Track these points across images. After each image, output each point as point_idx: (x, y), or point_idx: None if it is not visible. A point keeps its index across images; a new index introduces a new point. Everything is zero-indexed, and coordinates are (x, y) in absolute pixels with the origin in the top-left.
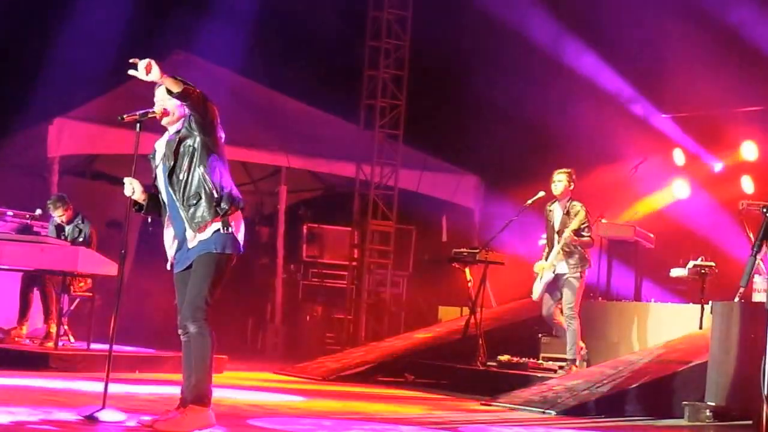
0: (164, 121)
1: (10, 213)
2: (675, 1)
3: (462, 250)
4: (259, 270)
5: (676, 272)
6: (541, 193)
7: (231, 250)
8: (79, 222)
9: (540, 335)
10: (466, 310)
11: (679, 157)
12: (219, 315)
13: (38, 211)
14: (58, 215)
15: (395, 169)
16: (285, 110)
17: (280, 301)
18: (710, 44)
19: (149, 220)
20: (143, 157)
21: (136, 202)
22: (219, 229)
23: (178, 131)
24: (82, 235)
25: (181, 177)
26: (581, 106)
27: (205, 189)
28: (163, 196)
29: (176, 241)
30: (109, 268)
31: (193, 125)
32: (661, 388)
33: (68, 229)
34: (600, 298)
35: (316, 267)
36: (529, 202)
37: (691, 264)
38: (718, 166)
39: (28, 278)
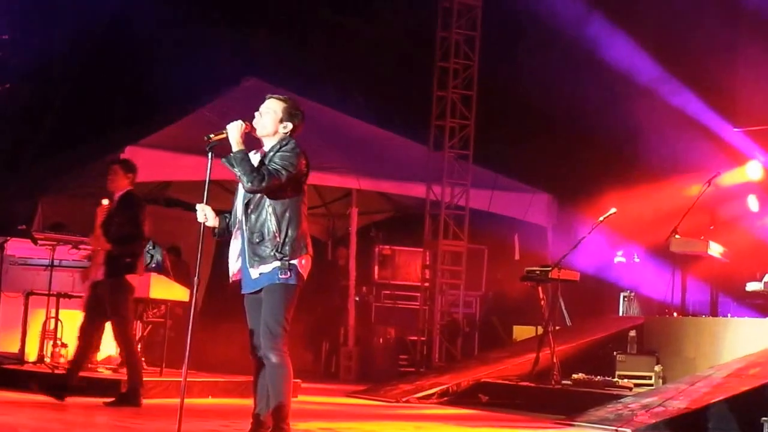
0: (259, 133)
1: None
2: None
3: (534, 268)
4: (331, 293)
5: (752, 286)
6: (613, 210)
7: (294, 281)
8: (151, 248)
9: (615, 353)
10: (540, 329)
11: (753, 170)
12: (293, 338)
13: None
14: None
15: (466, 188)
16: (355, 133)
17: (353, 323)
18: None
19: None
20: (216, 183)
21: (213, 228)
22: (278, 268)
23: (269, 151)
24: (154, 261)
25: (251, 207)
26: (653, 120)
27: (268, 230)
28: (238, 211)
29: (240, 258)
30: (181, 293)
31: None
32: (740, 403)
33: None
34: (675, 314)
35: (389, 289)
36: (601, 219)
37: (767, 277)
38: None
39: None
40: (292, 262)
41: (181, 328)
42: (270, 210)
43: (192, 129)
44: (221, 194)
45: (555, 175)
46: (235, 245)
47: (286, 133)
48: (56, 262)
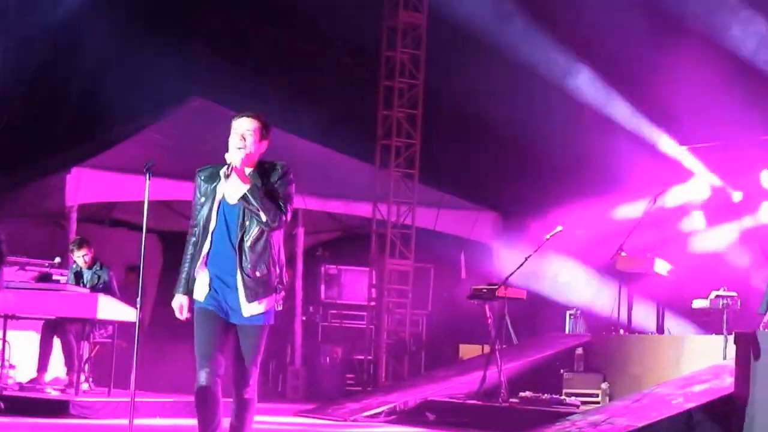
0: (240, 154)
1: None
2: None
3: (481, 286)
4: (278, 312)
5: (698, 303)
6: (559, 228)
7: (273, 322)
8: (98, 268)
9: (562, 371)
10: (486, 348)
11: (697, 187)
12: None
13: (57, 259)
14: (79, 256)
15: (412, 207)
16: (299, 152)
17: (299, 343)
18: (726, 72)
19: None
20: (160, 204)
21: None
22: (274, 306)
23: (260, 176)
24: (101, 281)
25: (250, 241)
26: (597, 138)
27: (269, 261)
28: (212, 231)
29: (211, 286)
30: (129, 314)
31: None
32: (687, 420)
33: (87, 275)
34: (622, 331)
35: (335, 308)
36: (548, 237)
37: (713, 294)
38: (737, 196)
39: (48, 326)
40: (283, 294)
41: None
42: (271, 243)
43: (137, 149)
44: (166, 215)
45: (500, 193)
46: (203, 277)
47: (263, 151)
48: (3, 284)
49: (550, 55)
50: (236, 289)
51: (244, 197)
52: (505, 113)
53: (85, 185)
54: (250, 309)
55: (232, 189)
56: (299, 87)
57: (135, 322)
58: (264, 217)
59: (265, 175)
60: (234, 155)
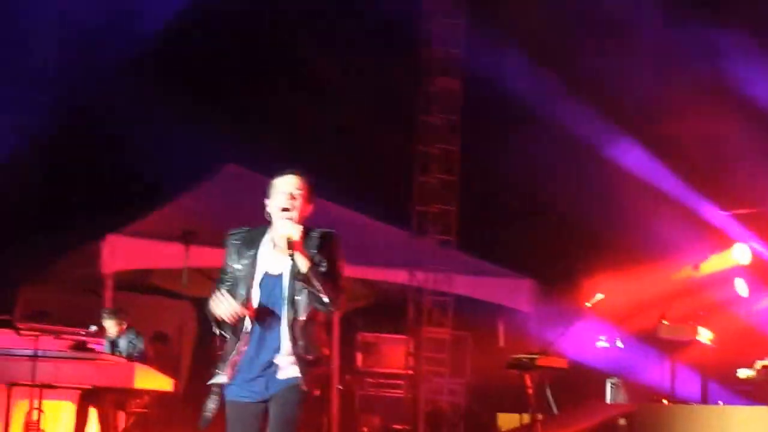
0: (288, 216)
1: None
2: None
3: (521, 355)
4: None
5: (744, 373)
6: (600, 296)
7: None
8: (133, 337)
9: None
10: (525, 417)
11: (740, 253)
12: None
13: (93, 328)
14: (110, 326)
15: (449, 275)
16: (335, 219)
17: (336, 412)
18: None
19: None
20: (196, 271)
21: (223, 327)
22: (312, 390)
23: (308, 245)
24: (137, 350)
25: (298, 316)
26: (637, 205)
27: (320, 342)
28: (257, 303)
29: (245, 368)
30: (164, 383)
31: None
32: None
33: (122, 344)
34: (665, 401)
35: (372, 376)
36: (588, 304)
37: (759, 364)
38: None
39: (85, 396)
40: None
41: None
42: (320, 321)
43: (172, 216)
44: (202, 282)
45: (539, 261)
46: (243, 350)
47: (306, 217)
48: (40, 352)
49: (588, 122)
50: (278, 369)
51: (303, 278)
52: (543, 180)
53: (120, 252)
54: (288, 373)
55: (279, 257)
56: (334, 153)
57: (171, 392)
58: (325, 299)
59: (315, 245)
60: (290, 226)
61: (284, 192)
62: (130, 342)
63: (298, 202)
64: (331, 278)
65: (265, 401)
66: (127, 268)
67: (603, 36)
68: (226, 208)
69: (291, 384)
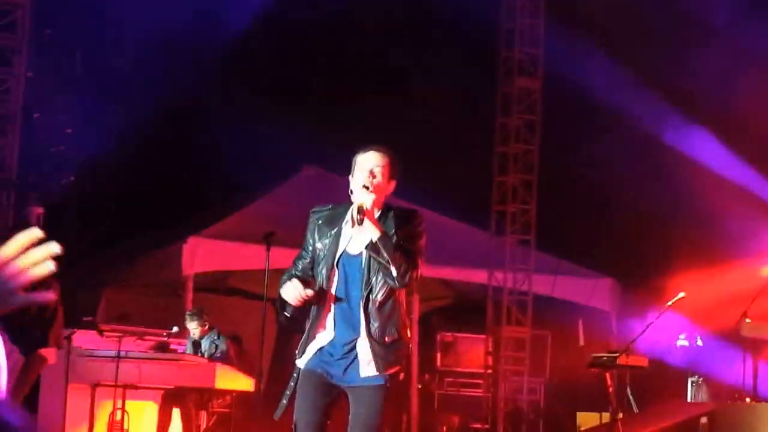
0: (369, 194)
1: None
2: None
3: (601, 354)
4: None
5: None
6: (682, 294)
7: (396, 388)
8: (215, 338)
9: None
10: (605, 416)
11: None
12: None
13: (175, 329)
14: (193, 327)
15: (528, 274)
16: None
17: (415, 412)
18: None
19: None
20: (275, 272)
21: (287, 307)
22: (397, 374)
23: (386, 224)
24: (219, 351)
25: (373, 295)
26: (720, 202)
27: (401, 327)
28: (334, 288)
29: (325, 350)
30: (246, 383)
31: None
32: None
33: (204, 345)
34: (748, 400)
35: (451, 376)
36: (670, 303)
37: None
38: None
39: (168, 396)
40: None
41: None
42: (399, 303)
43: (252, 218)
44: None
45: (618, 259)
46: (323, 333)
47: (390, 193)
48: (122, 353)
49: (667, 119)
50: (357, 354)
51: (373, 247)
52: (621, 178)
53: (201, 254)
54: (370, 370)
55: (360, 237)
56: (412, 154)
57: (252, 392)
58: (394, 272)
59: (395, 223)
60: (364, 196)
61: (365, 169)
62: (212, 343)
63: (378, 179)
64: (404, 251)
65: (340, 387)
66: (208, 269)
67: (680, 31)
68: (306, 210)
69: (373, 385)
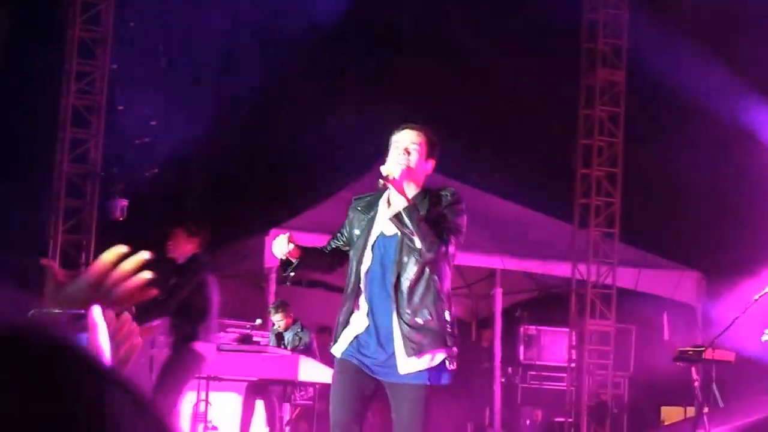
0: (403, 178)
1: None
2: None
3: (687, 348)
4: (476, 374)
5: None
6: None
7: (447, 382)
8: (299, 330)
9: None
10: (690, 411)
11: None
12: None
13: (258, 321)
14: (278, 320)
15: (612, 267)
16: (498, 212)
17: (498, 405)
18: None
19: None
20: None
21: (285, 265)
22: (444, 362)
23: (424, 201)
24: (302, 343)
25: (408, 281)
26: None
27: (436, 309)
28: (366, 271)
29: (360, 337)
30: (329, 376)
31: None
32: None
33: (288, 337)
34: None
35: (535, 369)
36: (757, 297)
37: None
38: None
39: (251, 388)
40: (455, 350)
41: None
42: (436, 283)
43: (334, 210)
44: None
45: (704, 252)
46: (358, 318)
47: (428, 173)
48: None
49: (751, 110)
50: (392, 341)
51: (397, 216)
52: (707, 170)
53: None
54: (409, 365)
55: (390, 212)
56: (495, 146)
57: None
58: (418, 243)
59: (431, 202)
60: (392, 166)
61: (399, 146)
62: (295, 335)
63: (413, 157)
64: (433, 224)
65: (378, 379)
66: None
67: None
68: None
69: (414, 384)
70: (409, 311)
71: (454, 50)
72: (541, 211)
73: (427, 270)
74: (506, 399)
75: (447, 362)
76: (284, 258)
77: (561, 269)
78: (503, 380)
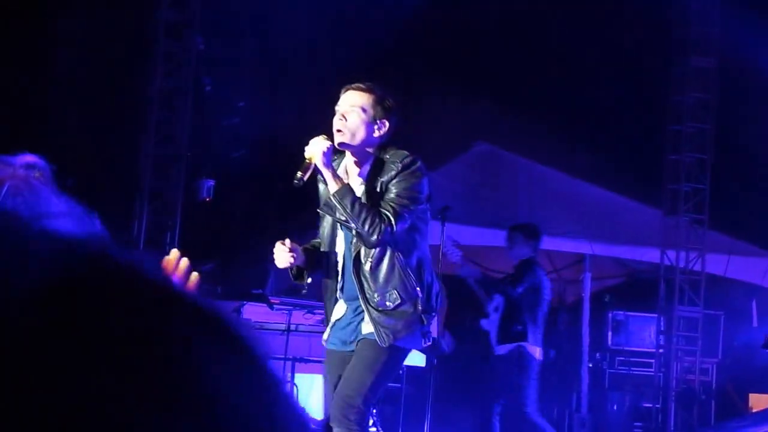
0: (343, 143)
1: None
2: None
3: None
4: (564, 358)
5: None
6: None
7: (411, 346)
8: None
9: None
10: None
11: None
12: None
13: None
14: None
15: (701, 253)
16: (587, 197)
17: (586, 390)
18: None
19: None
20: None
21: (297, 274)
22: (418, 334)
23: (368, 165)
24: None
25: (368, 262)
26: None
27: (405, 288)
28: (338, 254)
29: (337, 325)
30: (417, 358)
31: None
32: None
33: None
34: None
35: (622, 355)
36: None
37: None
38: None
39: None
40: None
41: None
42: (399, 261)
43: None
44: None
45: None
46: (339, 306)
47: (381, 136)
48: (292, 327)
49: None
50: (362, 322)
51: (326, 204)
52: None
53: None
54: (367, 328)
55: (323, 197)
56: (583, 131)
57: (423, 367)
58: (357, 228)
59: (381, 173)
60: (313, 147)
61: (338, 111)
62: None
63: (352, 120)
64: (371, 210)
65: (351, 351)
66: None
67: None
68: (478, 186)
69: (367, 339)
70: (377, 295)
71: (542, 37)
72: (629, 196)
73: (389, 248)
74: (594, 384)
75: (424, 339)
76: (291, 267)
77: (650, 255)
78: (591, 365)
